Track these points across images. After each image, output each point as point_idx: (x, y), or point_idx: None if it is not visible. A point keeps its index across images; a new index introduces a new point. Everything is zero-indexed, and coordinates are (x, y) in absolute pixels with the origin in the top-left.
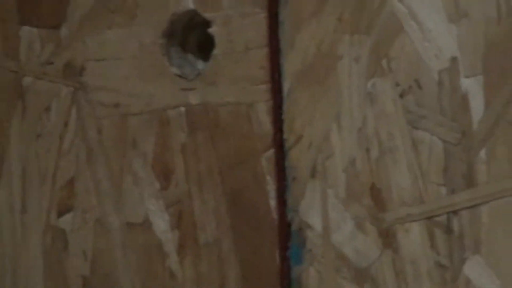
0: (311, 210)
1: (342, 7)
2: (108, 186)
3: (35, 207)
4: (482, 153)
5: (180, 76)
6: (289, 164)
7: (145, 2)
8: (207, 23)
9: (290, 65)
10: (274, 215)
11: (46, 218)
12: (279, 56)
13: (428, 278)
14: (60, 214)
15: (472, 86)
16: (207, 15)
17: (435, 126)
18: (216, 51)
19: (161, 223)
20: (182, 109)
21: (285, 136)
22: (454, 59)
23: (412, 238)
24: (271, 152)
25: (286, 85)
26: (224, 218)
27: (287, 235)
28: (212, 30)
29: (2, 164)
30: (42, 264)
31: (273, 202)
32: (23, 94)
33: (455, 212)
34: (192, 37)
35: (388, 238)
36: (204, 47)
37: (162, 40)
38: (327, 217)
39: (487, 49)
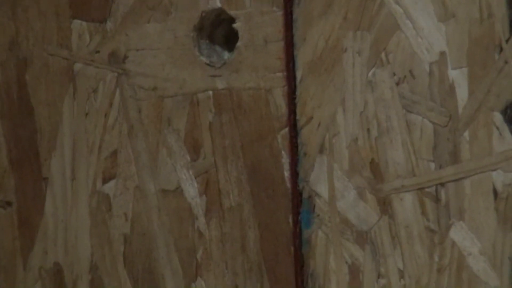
0: (319, 181)
1: (347, 7)
2: (146, 158)
3: (83, 175)
4: (466, 134)
5: (208, 64)
6: (301, 141)
7: (179, 1)
8: (232, 19)
9: (303, 56)
10: (288, 184)
11: (92, 185)
12: (293, 49)
13: (419, 241)
14: (105, 181)
15: (458, 77)
16: (232, 12)
17: (427, 111)
18: (239, 43)
19: (191, 190)
20: (210, 92)
21: (297, 117)
22: (442, 53)
23: (406, 206)
24: (286, 130)
25: (299, 74)
26: (245, 186)
27: (299, 202)
28: (236, 25)
29: (56, 137)
30: (89, 224)
31: (287, 174)
32: (74, 78)
33: (442, 184)
34: (219, 31)
35: (385, 206)
36: (229, 39)
37: (193, 33)
38: (333, 187)
39: (471, 45)
